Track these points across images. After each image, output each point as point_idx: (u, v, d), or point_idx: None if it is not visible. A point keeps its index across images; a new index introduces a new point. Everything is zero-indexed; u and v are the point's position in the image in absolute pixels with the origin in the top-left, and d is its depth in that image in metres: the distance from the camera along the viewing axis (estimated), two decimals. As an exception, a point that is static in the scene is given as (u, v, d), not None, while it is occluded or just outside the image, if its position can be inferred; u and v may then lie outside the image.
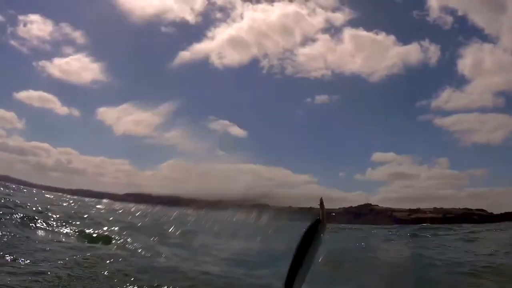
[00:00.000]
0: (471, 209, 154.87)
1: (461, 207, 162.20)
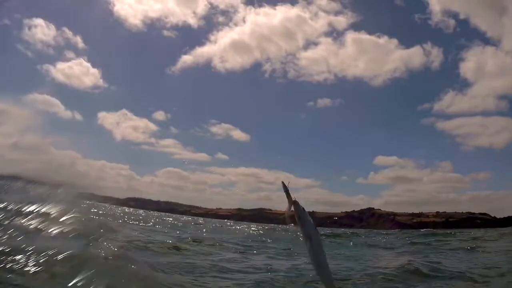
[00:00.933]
0: (474, 213, 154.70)
1: (464, 211, 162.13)
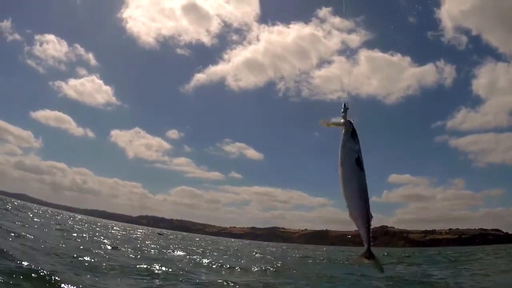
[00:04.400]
0: (486, 229, 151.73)
1: (476, 228, 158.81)
